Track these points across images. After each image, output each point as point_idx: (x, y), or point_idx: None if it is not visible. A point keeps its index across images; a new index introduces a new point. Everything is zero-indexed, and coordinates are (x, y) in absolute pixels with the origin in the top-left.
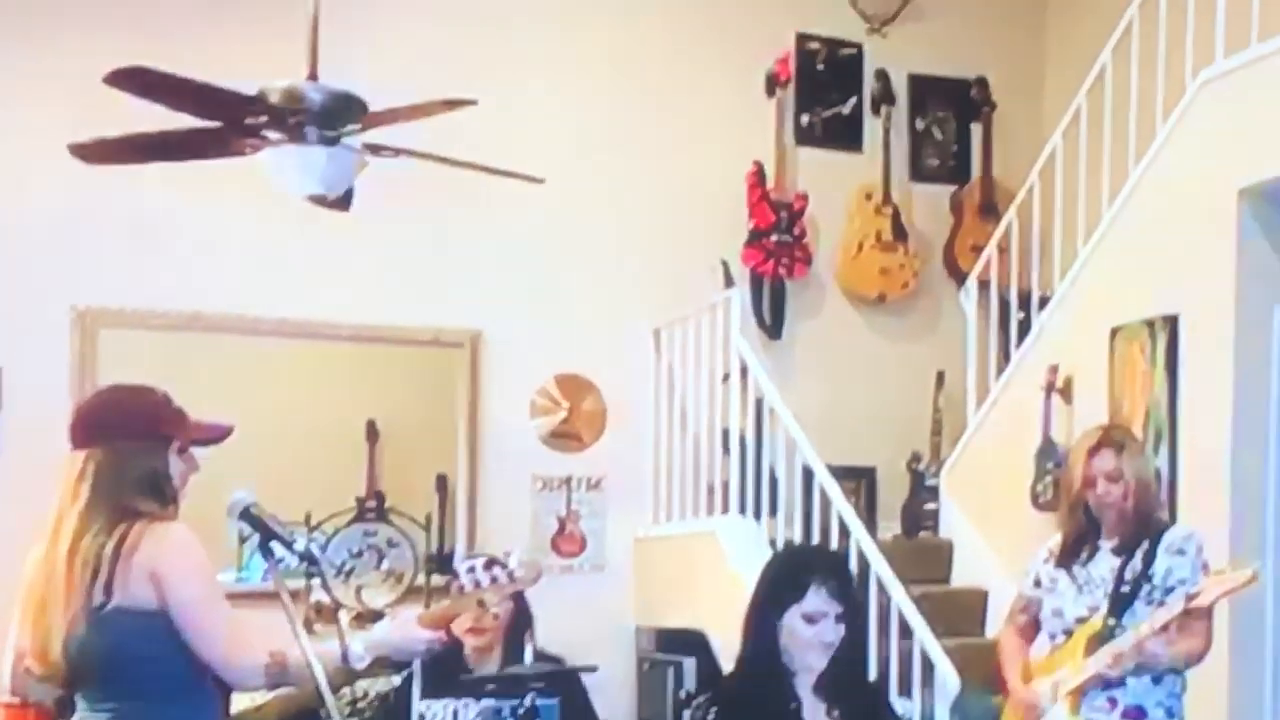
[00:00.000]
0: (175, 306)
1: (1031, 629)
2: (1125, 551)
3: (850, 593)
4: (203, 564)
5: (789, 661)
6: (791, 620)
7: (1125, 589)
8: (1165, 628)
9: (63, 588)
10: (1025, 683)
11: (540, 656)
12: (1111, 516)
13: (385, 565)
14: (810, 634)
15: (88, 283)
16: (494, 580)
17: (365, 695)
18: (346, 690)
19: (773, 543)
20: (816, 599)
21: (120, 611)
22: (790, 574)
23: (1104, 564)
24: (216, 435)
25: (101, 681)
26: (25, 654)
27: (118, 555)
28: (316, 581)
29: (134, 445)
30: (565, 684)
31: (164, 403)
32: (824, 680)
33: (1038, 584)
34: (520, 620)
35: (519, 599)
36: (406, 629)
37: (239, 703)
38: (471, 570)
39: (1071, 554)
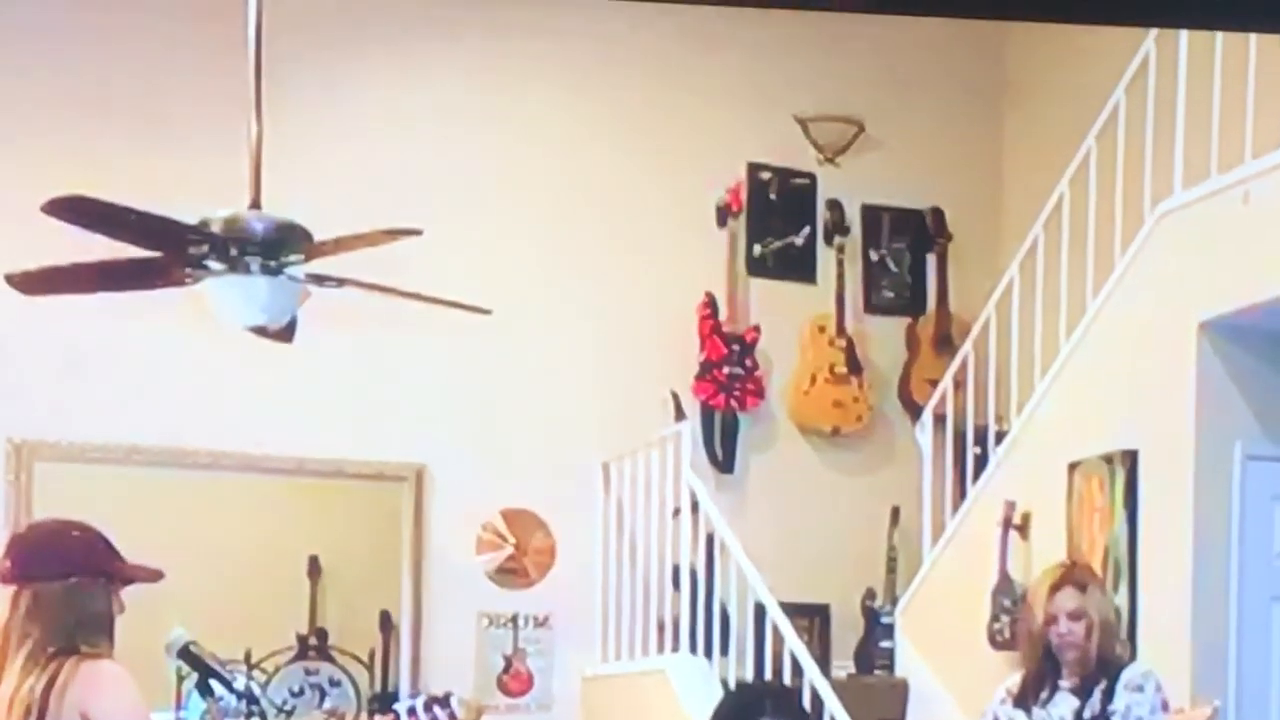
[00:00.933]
0: (112, 439)
1: None
2: (1084, 692)
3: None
4: (134, 702)
5: None
6: None
7: None
8: None
9: None
10: None
11: None
12: (1072, 656)
13: (327, 704)
14: None
15: (22, 415)
16: None
17: None
18: None
19: (724, 682)
20: None
21: None
22: (739, 712)
23: (1063, 704)
24: (150, 576)
25: None
26: None
27: (48, 694)
28: None
29: (83, 583)
30: None
31: (105, 541)
32: None
33: None
34: None
35: None
36: None
37: None
38: (412, 712)
39: (1030, 694)
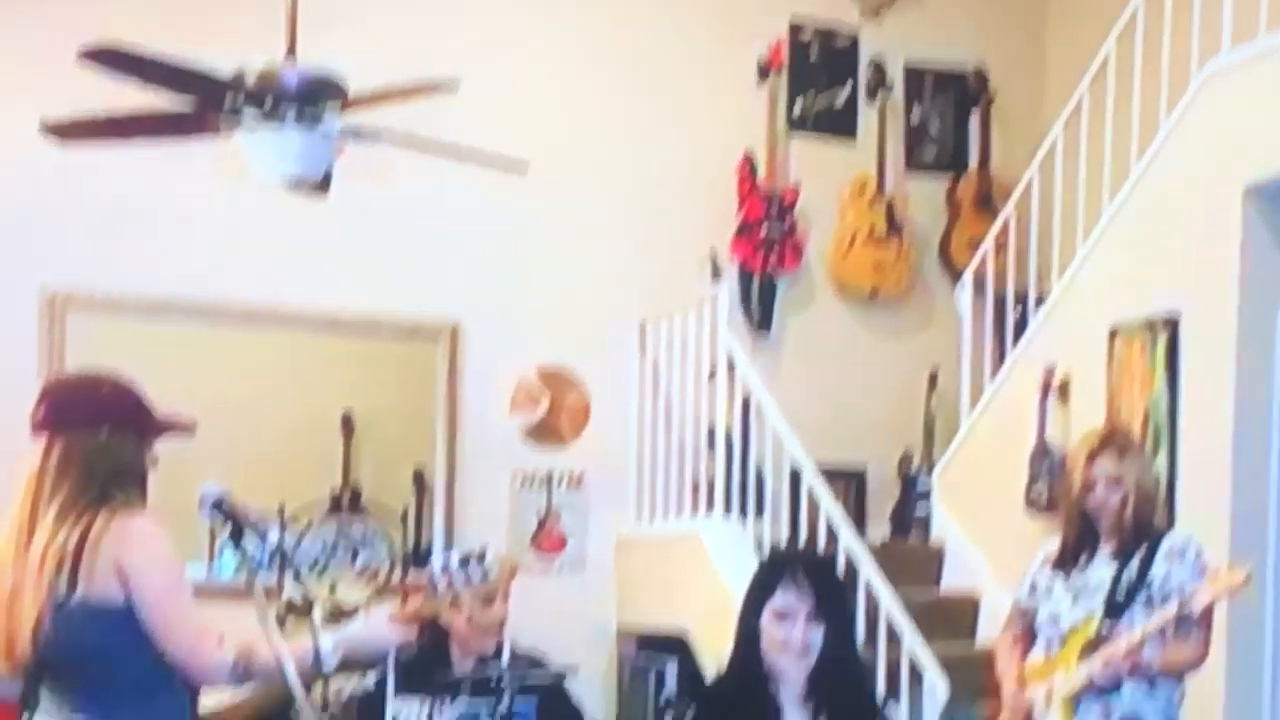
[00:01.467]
0: (146, 292)
1: (1027, 637)
2: (1122, 557)
3: (830, 590)
4: (168, 557)
5: (773, 670)
6: (765, 620)
7: (1121, 595)
8: (1161, 633)
9: (35, 581)
10: (1019, 691)
11: (517, 657)
12: (1109, 522)
13: (360, 561)
14: (781, 635)
15: (57, 267)
16: (468, 579)
17: (338, 694)
18: (318, 689)
19: (759, 544)
20: (785, 595)
21: (84, 606)
22: (764, 571)
23: (1101, 570)
24: (184, 428)
25: (65, 676)
26: None
27: (81, 547)
28: (290, 577)
29: (115, 435)
30: (545, 686)
31: (138, 393)
32: (811, 689)
33: (1033, 590)
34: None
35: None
36: (378, 628)
37: (209, 701)
38: (446, 568)
39: (1068, 559)
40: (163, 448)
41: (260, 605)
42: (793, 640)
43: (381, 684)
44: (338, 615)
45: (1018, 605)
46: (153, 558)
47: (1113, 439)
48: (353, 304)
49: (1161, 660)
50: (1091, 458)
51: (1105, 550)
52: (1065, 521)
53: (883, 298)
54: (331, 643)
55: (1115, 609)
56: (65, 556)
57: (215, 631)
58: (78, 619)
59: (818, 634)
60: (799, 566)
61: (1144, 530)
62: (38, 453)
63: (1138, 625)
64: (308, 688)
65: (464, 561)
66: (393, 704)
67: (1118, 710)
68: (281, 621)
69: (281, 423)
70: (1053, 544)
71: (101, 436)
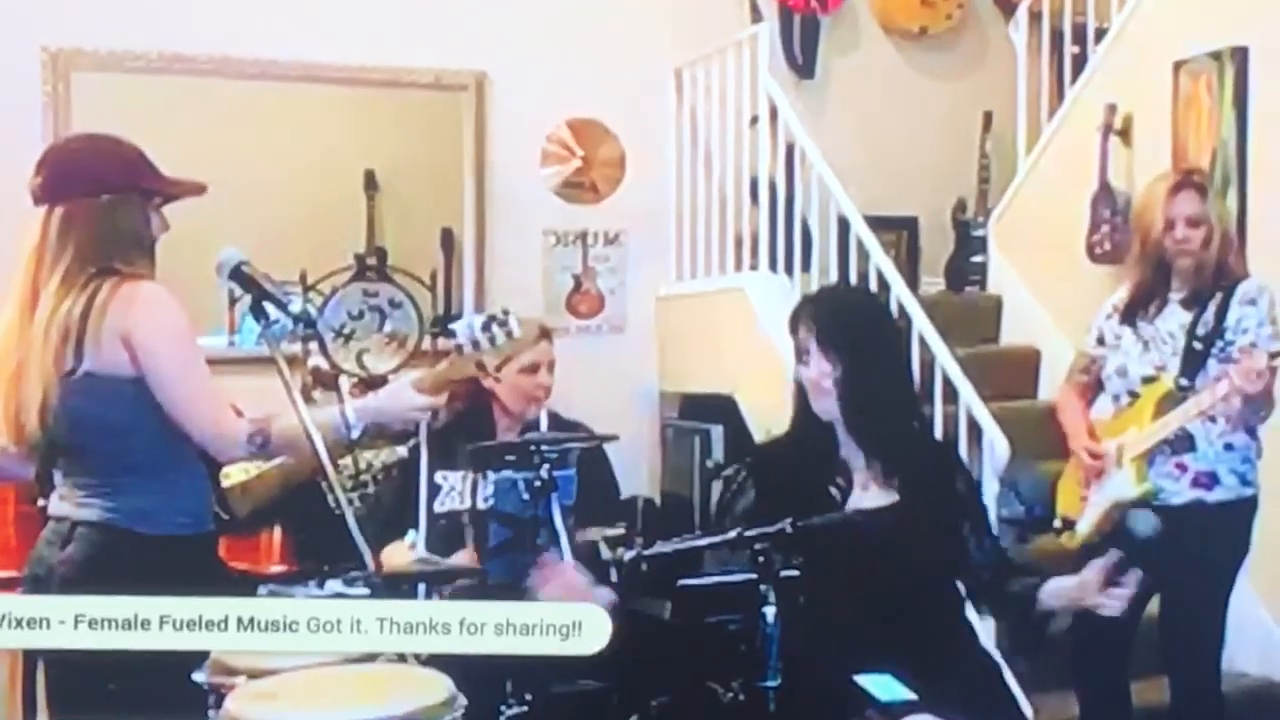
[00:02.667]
0: (154, 47)
1: (1092, 389)
2: (1196, 305)
3: (836, 321)
4: (179, 325)
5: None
6: (797, 368)
7: (1198, 346)
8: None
9: (40, 355)
10: (1091, 442)
11: (557, 424)
12: (1188, 264)
13: (388, 328)
14: (803, 372)
15: (58, 21)
16: (492, 341)
17: (369, 467)
18: (348, 462)
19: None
20: (798, 335)
21: (91, 377)
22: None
23: (1173, 319)
24: (192, 190)
25: (77, 454)
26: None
27: (86, 317)
28: (314, 346)
29: (117, 200)
30: (584, 454)
31: (140, 154)
32: (854, 431)
33: (1100, 341)
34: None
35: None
36: (402, 395)
37: (235, 475)
38: (469, 330)
39: (1138, 308)
40: (175, 213)
41: (284, 375)
42: (810, 377)
43: (414, 456)
44: (366, 383)
45: (1083, 356)
46: (161, 325)
47: (1194, 176)
48: (373, 56)
49: (1239, 414)
50: (1172, 194)
51: (1177, 298)
52: (1138, 264)
53: (932, 35)
54: (353, 413)
55: (1190, 361)
56: (70, 327)
57: (228, 402)
58: (85, 391)
59: (825, 365)
60: (807, 303)
61: (1221, 274)
62: (37, 224)
63: (1213, 377)
64: (336, 457)
65: (486, 324)
66: (425, 474)
67: (1192, 467)
68: (307, 393)
69: (301, 184)
70: (1120, 293)
71: (103, 203)
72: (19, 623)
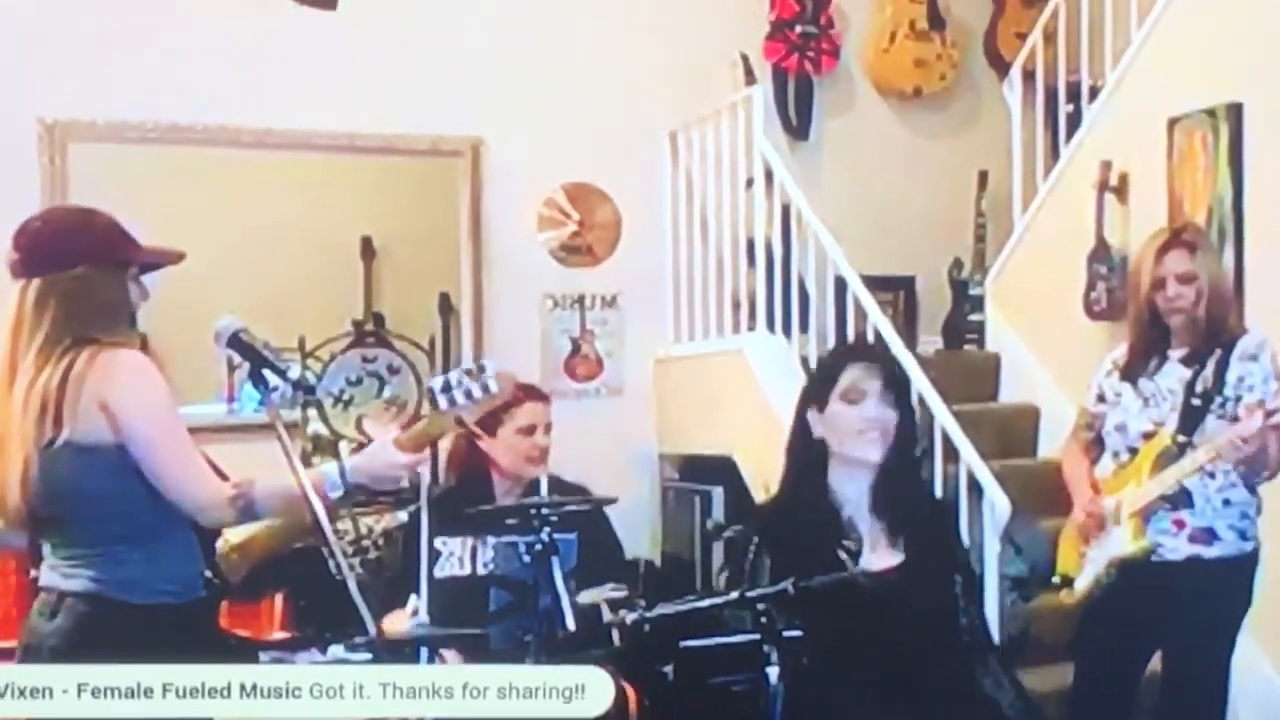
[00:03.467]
0: (151, 117)
1: (1095, 447)
2: (1196, 362)
3: (897, 372)
4: (159, 391)
5: (837, 485)
6: (833, 409)
7: (1196, 402)
8: (1245, 440)
9: (20, 426)
10: (1093, 498)
11: (557, 487)
12: (1181, 322)
13: (387, 393)
14: (854, 415)
15: (55, 93)
16: (468, 396)
17: (370, 532)
18: (349, 527)
19: (804, 361)
20: (852, 374)
21: (71, 447)
22: (823, 367)
23: (1172, 375)
24: (170, 259)
25: (61, 525)
26: None
27: (64, 386)
28: (313, 412)
29: (96, 272)
30: (585, 518)
31: (116, 225)
32: (878, 493)
33: (1101, 398)
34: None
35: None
36: (383, 454)
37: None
38: (446, 388)
39: (1137, 365)
40: (173, 281)
41: (284, 442)
42: (865, 419)
43: (415, 520)
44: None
45: (1085, 413)
46: (140, 391)
47: (1183, 234)
48: (368, 123)
49: (1239, 470)
50: (1161, 254)
51: (1176, 355)
52: (1133, 323)
53: (927, 96)
54: (335, 474)
55: (1189, 418)
56: (48, 397)
57: (208, 467)
58: (65, 461)
59: (891, 414)
60: (862, 350)
61: (1217, 331)
62: (15, 297)
63: (1213, 435)
64: (332, 521)
65: (460, 379)
66: (427, 537)
67: (1190, 523)
68: (308, 458)
69: (298, 251)
70: (1120, 350)
71: (78, 274)
72: (22, 692)
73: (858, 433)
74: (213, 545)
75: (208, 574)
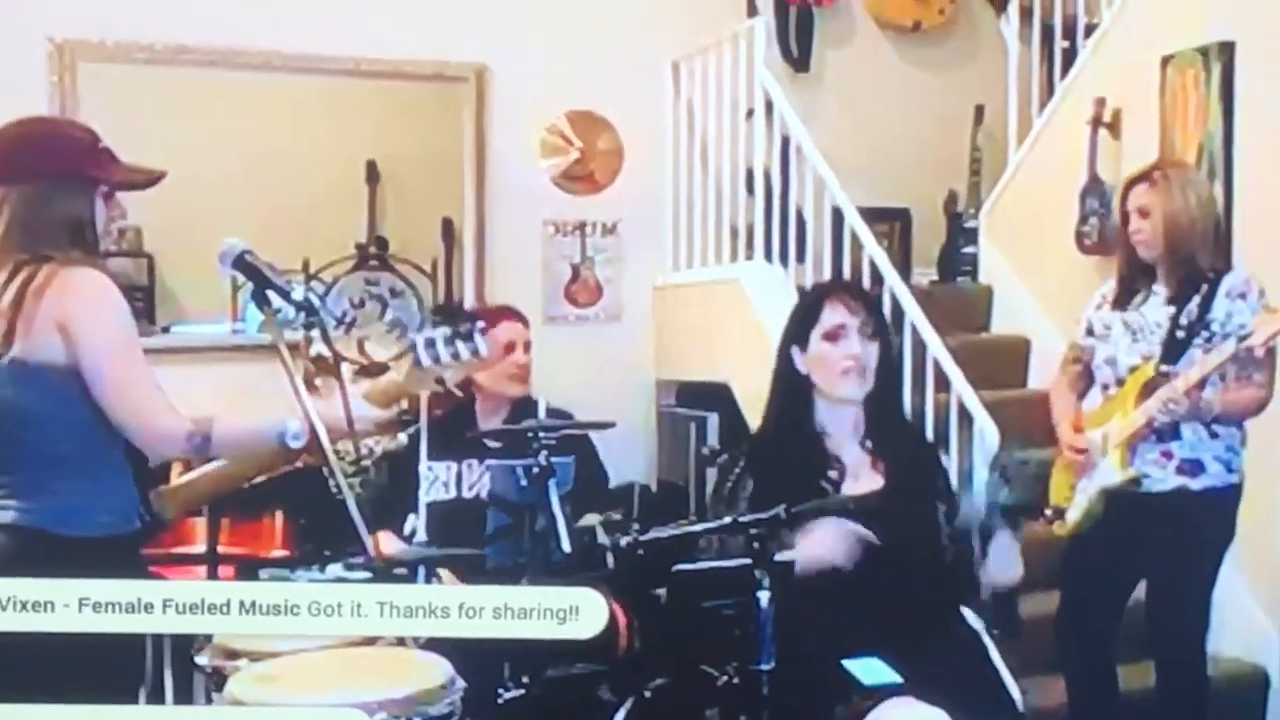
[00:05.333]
0: (160, 39)
1: (1084, 380)
2: (1179, 296)
3: (877, 310)
4: (118, 313)
5: (821, 417)
6: (815, 349)
7: (1180, 335)
8: (1221, 374)
9: None
10: (1076, 434)
11: (552, 413)
12: (1148, 255)
13: (389, 316)
14: (836, 353)
15: (64, 13)
16: (455, 357)
17: (370, 453)
18: (349, 447)
19: (800, 290)
20: (833, 314)
21: (20, 364)
22: (803, 306)
23: (1158, 309)
24: (143, 181)
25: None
26: None
27: (21, 300)
28: (316, 334)
29: (53, 186)
30: (579, 442)
31: (90, 140)
32: (865, 422)
33: (1090, 331)
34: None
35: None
36: (352, 404)
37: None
38: (431, 345)
39: (1124, 298)
40: (179, 201)
41: (287, 362)
42: (850, 357)
43: (414, 443)
44: (367, 370)
45: (1074, 346)
46: (99, 312)
47: (1149, 169)
48: (375, 48)
49: (1222, 402)
50: (1128, 189)
51: (1162, 291)
52: (1119, 258)
53: (926, 30)
54: (297, 423)
55: (1173, 349)
56: (2, 314)
57: (167, 398)
58: (13, 378)
59: (873, 350)
60: (843, 287)
61: (1185, 265)
62: None
63: (1196, 366)
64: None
65: (450, 338)
66: (425, 464)
67: (1177, 455)
68: (310, 379)
69: (304, 174)
70: (1110, 284)
71: (37, 187)
72: (23, 606)
73: (841, 371)
74: (144, 478)
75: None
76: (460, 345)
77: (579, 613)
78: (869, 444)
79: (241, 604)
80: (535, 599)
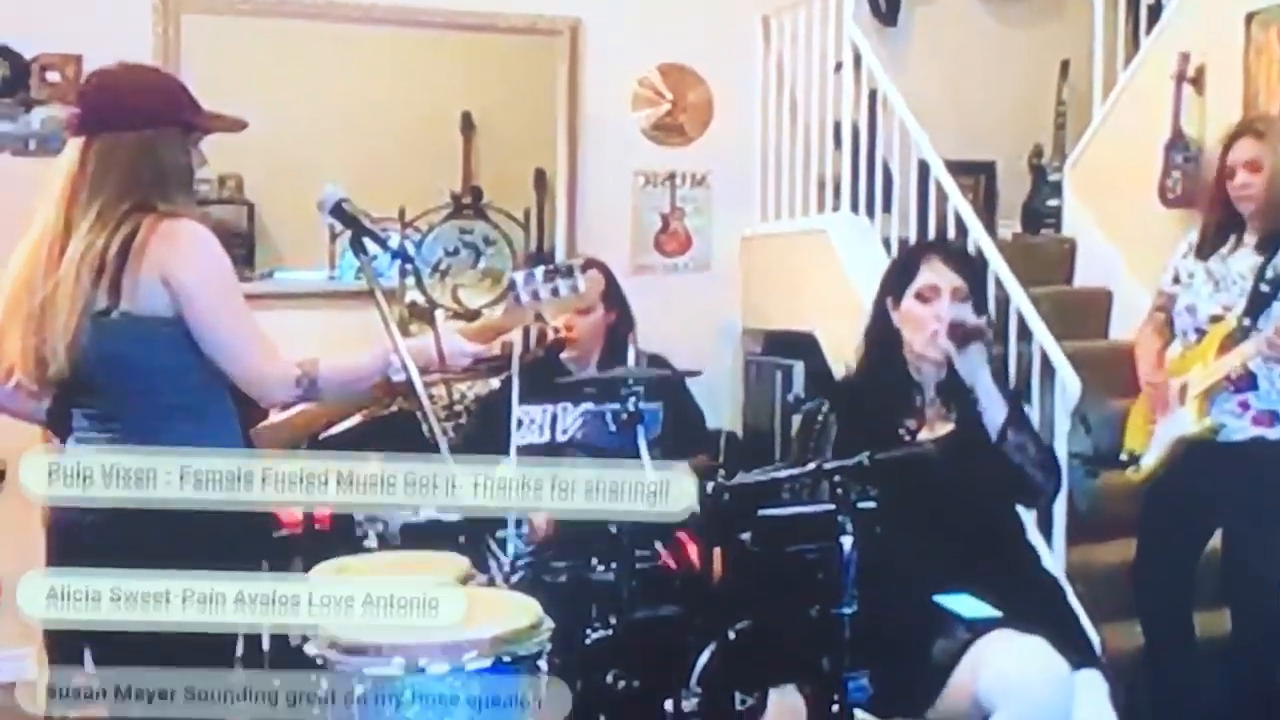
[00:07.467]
0: None
1: (1169, 328)
2: (1268, 248)
3: (973, 273)
4: (222, 265)
5: (909, 369)
6: (907, 305)
7: (1265, 288)
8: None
9: (71, 292)
10: (1158, 379)
11: (644, 359)
12: (1251, 209)
13: (482, 264)
14: (927, 313)
15: None
16: (554, 294)
17: (463, 398)
18: (443, 392)
19: (886, 241)
20: (928, 273)
21: (128, 318)
22: (902, 259)
23: (1245, 260)
24: (233, 126)
25: (106, 396)
26: (14, 367)
27: (124, 255)
28: (411, 281)
29: (162, 134)
30: (668, 388)
31: (182, 87)
32: (945, 381)
33: (1175, 279)
34: (621, 323)
35: (618, 303)
36: (449, 340)
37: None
38: (530, 281)
39: (1210, 247)
40: (280, 152)
41: (382, 309)
42: (941, 318)
43: (506, 387)
44: (461, 317)
45: (1160, 294)
46: (204, 265)
47: (1251, 123)
48: (472, 2)
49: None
50: (1229, 143)
51: (1250, 241)
52: (1207, 208)
53: None
54: (404, 353)
55: (1257, 303)
56: (105, 265)
57: (272, 344)
58: (121, 332)
59: (964, 312)
60: (940, 248)
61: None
62: (74, 155)
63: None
64: (413, 389)
65: (549, 275)
66: (517, 408)
67: (1255, 406)
68: (404, 325)
69: (400, 124)
70: (1195, 232)
71: (145, 136)
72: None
73: (929, 331)
74: (247, 420)
75: None
76: (560, 282)
77: (669, 491)
78: (947, 397)
79: (339, 477)
80: (625, 476)
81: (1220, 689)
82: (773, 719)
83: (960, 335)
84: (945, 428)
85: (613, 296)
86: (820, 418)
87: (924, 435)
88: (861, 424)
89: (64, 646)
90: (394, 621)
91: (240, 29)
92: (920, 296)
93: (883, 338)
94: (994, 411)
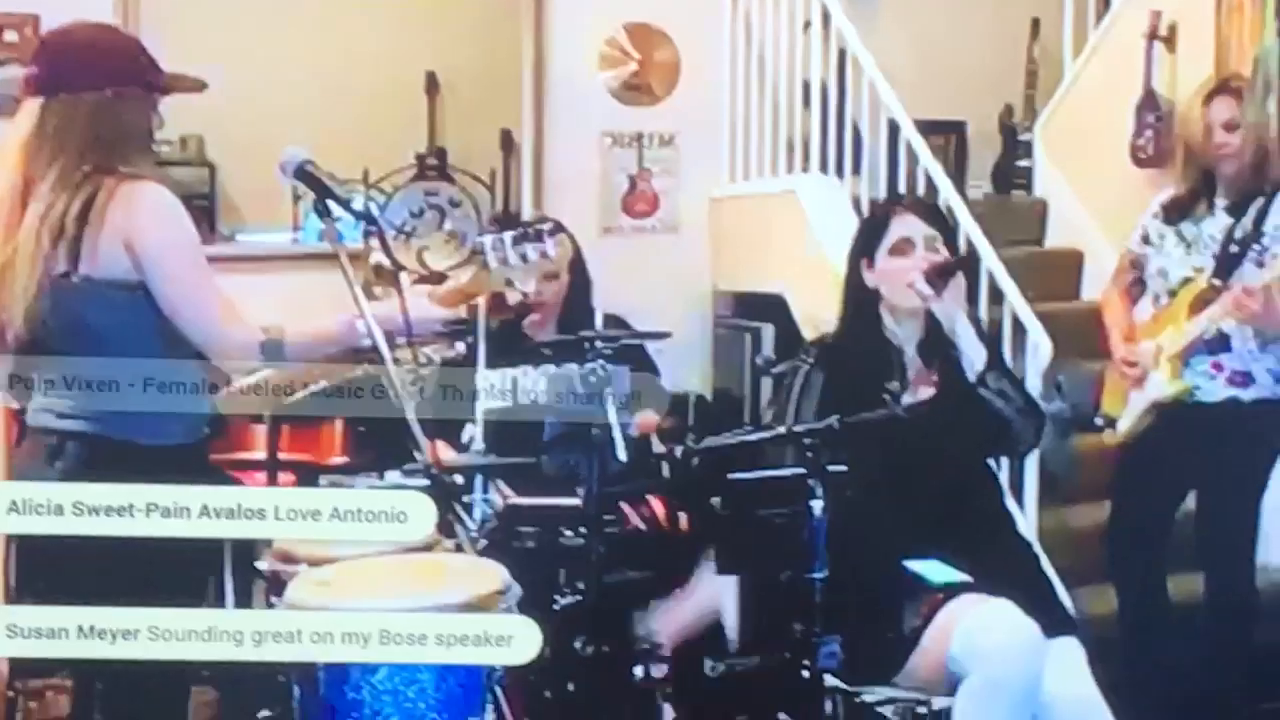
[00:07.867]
0: None
1: (1137, 289)
2: (1240, 209)
3: (944, 223)
4: (184, 227)
5: (888, 328)
6: (882, 264)
7: (1234, 249)
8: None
9: (30, 256)
10: (1128, 344)
11: (610, 322)
12: (1228, 170)
13: (447, 226)
14: (904, 264)
15: None
16: (524, 259)
17: (429, 362)
18: (408, 356)
19: (855, 201)
20: (900, 226)
21: (89, 282)
22: (871, 217)
23: (1216, 223)
24: (192, 86)
25: (65, 361)
26: None
27: (84, 218)
28: (375, 243)
29: (121, 95)
30: (631, 351)
31: (141, 47)
32: (926, 337)
33: (1145, 240)
34: (579, 286)
35: (577, 266)
36: (417, 306)
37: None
38: (499, 247)
39: (1183, 209)
40: (242, 114)
41: (346, 271)
42: (918, 268)
43: (472, 352)
44: (426, 279)
45: (1129, 254)
46: (166, 228)
47: (1228, 83)
48: None
49: (1275, 317)
50: (1207, 102)
51: (1221, 204)
52: (1181, 169)
53: None
54: (364, 324)
55: (1227, 263)
56: (65, 228)
57: (238, 306)
58: (82, 295)
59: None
60: (911, 202)
61: (1261, 178)
62: (31, 116)
63: (1249, 279)
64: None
65: (518, 239)
66: (482, 373)
67: (1229, 367)
68: (369, 287)
69: (364, 84)
70: (1168, 192)
71: (104, 97)
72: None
73: (906, 285)
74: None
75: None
76: (529, 247)
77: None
78: (930, 355)
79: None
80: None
81: (1194, 652)
82: (700, 597)
83: (938, 272)
84: (928, 392)
85: (578, 262)
86: (800, 378)
87: (907, 399)
88: (841, 387)
89: (26, 574)
90: (363, 534)
91: None
92: (896, 250)
93: (859, 298)
94: (973, 356)
